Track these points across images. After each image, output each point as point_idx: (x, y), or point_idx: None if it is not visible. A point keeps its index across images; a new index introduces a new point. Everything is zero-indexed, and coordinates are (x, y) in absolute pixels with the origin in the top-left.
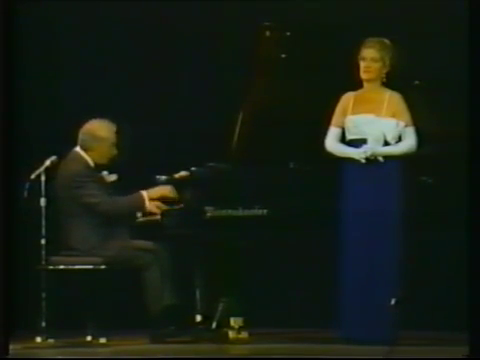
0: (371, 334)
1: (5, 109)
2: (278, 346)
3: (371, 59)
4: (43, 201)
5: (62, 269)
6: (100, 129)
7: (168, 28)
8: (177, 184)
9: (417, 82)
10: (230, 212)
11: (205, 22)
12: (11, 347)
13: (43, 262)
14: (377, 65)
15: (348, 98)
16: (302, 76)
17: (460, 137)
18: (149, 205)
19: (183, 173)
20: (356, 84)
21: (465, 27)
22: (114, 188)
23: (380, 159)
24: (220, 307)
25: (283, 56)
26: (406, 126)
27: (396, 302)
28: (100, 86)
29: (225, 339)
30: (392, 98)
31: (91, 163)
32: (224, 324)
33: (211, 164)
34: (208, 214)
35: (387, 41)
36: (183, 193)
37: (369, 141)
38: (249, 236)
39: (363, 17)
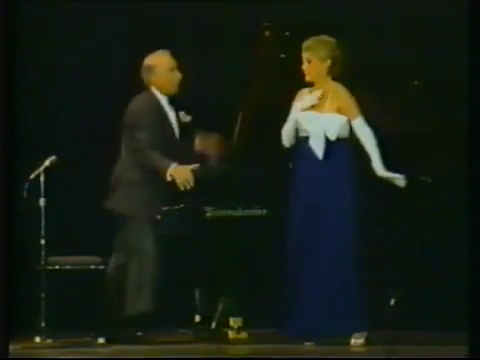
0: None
1: (5, 109)
2: (277, 346)
3: (305, 60)
4: (43, 201)
5: (61, 269)
6: (148, 59)
7: (168, 28)
8: (176, 184)
9: (416, 82)
10: (230, 212)
11: (205, 22)
12: (10, 347)
13: (42, 262)
14: (310, 66)
15: (300, 94)
16: (301, 76)
17: (460, 137)
18: (169, 179)
19: None
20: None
21: (465, 27)
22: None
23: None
24: (220, 307)
25: (282, 56)
26: (354, 119)
27: (395, 302)
28: (100, 86)
29: (224, 339)
30: (335, 93)
31: (159, 96)
32: (223, 324)
33: (211, 164)
34: (208, 214)
35: (317, 38)
36: (183, 193)
37: (311, 139)
38: (249, 236)
39: (362, 17)
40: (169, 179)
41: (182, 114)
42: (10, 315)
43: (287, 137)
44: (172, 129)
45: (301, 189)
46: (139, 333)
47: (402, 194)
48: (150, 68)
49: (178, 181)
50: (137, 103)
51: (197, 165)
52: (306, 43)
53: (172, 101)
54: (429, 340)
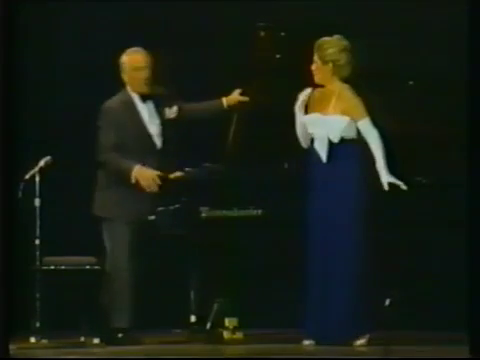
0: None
1: (3, 109)
2: (273, 346)
3: (313, 62)
4: (37, 201)
5: (56, 269)
6: (121, 56)
7: (167, 28)
8: (172, 185)
9: (415, 82)
10: (225, 212)
11: (205, 22)
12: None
13: (37, 262)
14: (316, 66)
15: (306, 94)
16: (298, 76)
17: (460, 137)
18: (133, 181)
19: (178, 173)
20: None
21: (465, 27)
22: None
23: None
24: (215, 307)
25: (278, 56)
26: (360, 120)
27: (390, 302)
28: (99, 87)
29: (220, 339)
30: (341, 94)
31: (131, 94)
32: (219, 324)
33: (206, 164)
34: (203, 214)
35: (326, 38)
36: (178, 194)
37: (315, 141)
38: (244, 236)
39: (361, 17)
40: (133, 181)
41: (169, 110)
42: (10, 316)
43: (302, 139)
44: (144, 127)
45: (308, 191)
46: (120, 335)
47: (401, 194)
48: (120, 65)
49: (143, 183)
50: (107, 102)
51: (161, 173)
52: (316, 43)
53: (146, 99)
54: (429, 340)
